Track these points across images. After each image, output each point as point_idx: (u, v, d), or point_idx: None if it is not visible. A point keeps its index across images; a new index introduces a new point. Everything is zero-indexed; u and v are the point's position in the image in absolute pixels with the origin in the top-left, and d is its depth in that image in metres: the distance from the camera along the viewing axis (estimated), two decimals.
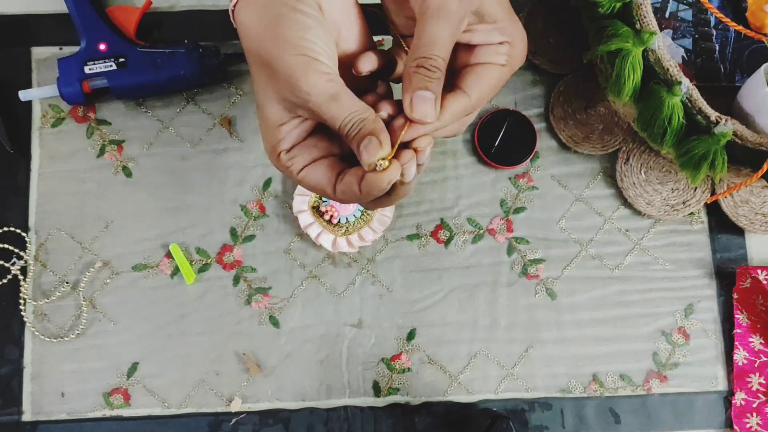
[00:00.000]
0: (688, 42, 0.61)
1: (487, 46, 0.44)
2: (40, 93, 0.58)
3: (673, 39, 0.61)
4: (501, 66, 0.44)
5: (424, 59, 0.40)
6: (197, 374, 0.57)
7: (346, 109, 0.39)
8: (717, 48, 0.61)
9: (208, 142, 0.61)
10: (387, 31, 0.63)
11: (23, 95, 0.58)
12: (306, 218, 0.58)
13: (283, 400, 0.57)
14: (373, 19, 0.47)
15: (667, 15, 0.61)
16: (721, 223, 0.60)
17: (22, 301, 0.58)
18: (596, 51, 0.53)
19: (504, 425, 0.52)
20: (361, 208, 0.58)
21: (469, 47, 0.44)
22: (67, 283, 0.58)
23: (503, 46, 0.44)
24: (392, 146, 0.40)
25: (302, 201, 0.58)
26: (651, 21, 0.50)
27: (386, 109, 0.42)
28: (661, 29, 0.61)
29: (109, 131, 0.61)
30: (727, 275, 0.60)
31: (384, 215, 0.58)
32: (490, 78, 0.44)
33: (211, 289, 0.58)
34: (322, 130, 0.43)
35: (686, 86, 0.50)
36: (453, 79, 0.43)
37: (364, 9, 0.46)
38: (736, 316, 0.59)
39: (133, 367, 0.57)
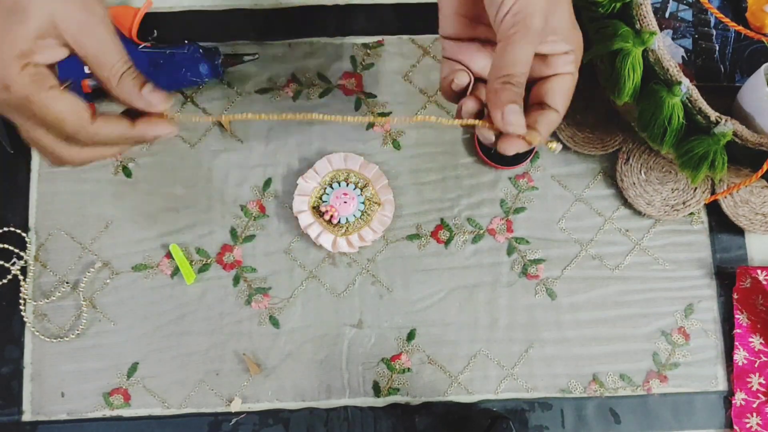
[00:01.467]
0: (688, 42, 0.61)
1: (557, 57, 0.46)
2: None
3: (673, 39, 0.61)
4: (571, 75, 0.47)
5: (511, 76, 0.43)
6: (197, 374, 0.57)
7: None
8: (717, 48, 0.61)
9: (207, 142, 0.61)
10: (388, 31, 0.63)
11: None
12: (306, 218, 0.58)
13: (283, 400, 0.57)
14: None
15: (667, 15, 0.61)
16: (721, 223, 0.60)
17: (22, 301, 0.58)
18: (596, 51, 0.53)
19: (504, 425, 0.52)
20: (362, 208, 0.58)
21: (540, 57, 0.46)
22: (67, 283, 0.58)
23: (569, 55, 0.46)
24: None
25: (302, 201, 0.58)
26: (651, 21, 0.50)
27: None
28: (661, 29, 0.61)
29: None
30: (727, 275, 0.60)
31: (384, 215, 0.58)
32: (566, 89, 0.47)
33: (211, 289, 0.58)
34: None
35: (686, 86, 0.50)
36: (527, 90, 0.46)
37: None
38: (736, 316, 0.59)
39: (133, 367, 0.57)
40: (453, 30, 0.48)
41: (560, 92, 0.47)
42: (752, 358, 0.58)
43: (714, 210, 0.61)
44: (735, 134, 0.50)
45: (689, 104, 0.51)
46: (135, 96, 0.43)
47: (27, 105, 0.41)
